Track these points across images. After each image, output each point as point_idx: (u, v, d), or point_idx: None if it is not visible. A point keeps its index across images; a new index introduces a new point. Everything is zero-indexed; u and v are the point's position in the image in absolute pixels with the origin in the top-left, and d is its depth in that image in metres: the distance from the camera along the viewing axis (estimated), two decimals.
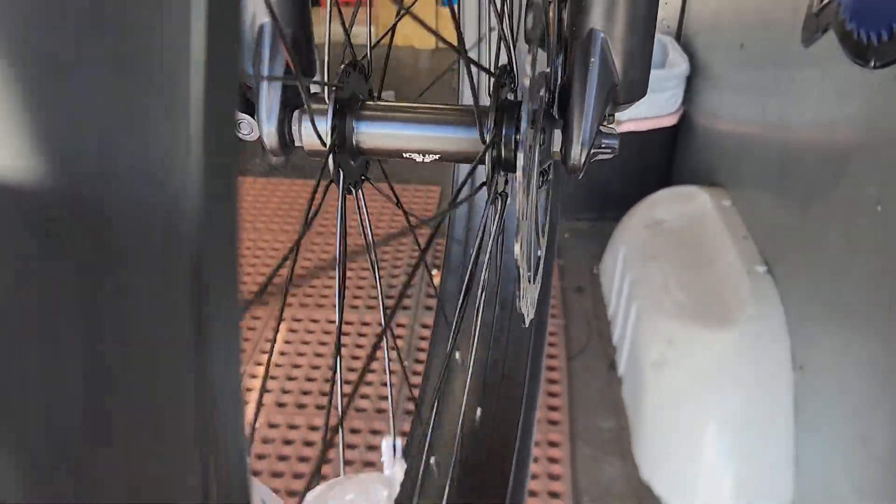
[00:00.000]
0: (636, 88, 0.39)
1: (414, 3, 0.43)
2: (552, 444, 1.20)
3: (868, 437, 0.84)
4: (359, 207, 0.45)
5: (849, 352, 0.89)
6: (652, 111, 1.58)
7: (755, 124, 1.26)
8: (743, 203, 1.30)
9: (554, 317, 1.47)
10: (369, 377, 1.32)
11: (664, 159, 1.71)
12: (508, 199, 0.43)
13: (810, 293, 1.01)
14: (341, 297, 0.45)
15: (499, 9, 0.39)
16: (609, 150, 0.41)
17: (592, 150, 0.41)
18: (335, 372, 0.45)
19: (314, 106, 0.39)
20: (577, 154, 0.40)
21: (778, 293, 1.11)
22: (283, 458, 1.15)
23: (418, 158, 0.42)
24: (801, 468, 1.02)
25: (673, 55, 1.59)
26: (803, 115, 1.05)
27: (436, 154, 0.42)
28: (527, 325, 0.48)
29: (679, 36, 1.76)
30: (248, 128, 0.40)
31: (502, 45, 0.40)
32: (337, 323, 0.45)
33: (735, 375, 1.08)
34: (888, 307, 0.80)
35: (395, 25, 0.43)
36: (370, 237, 0.47)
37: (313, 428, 1.21)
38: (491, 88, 0.40)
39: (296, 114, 0.40)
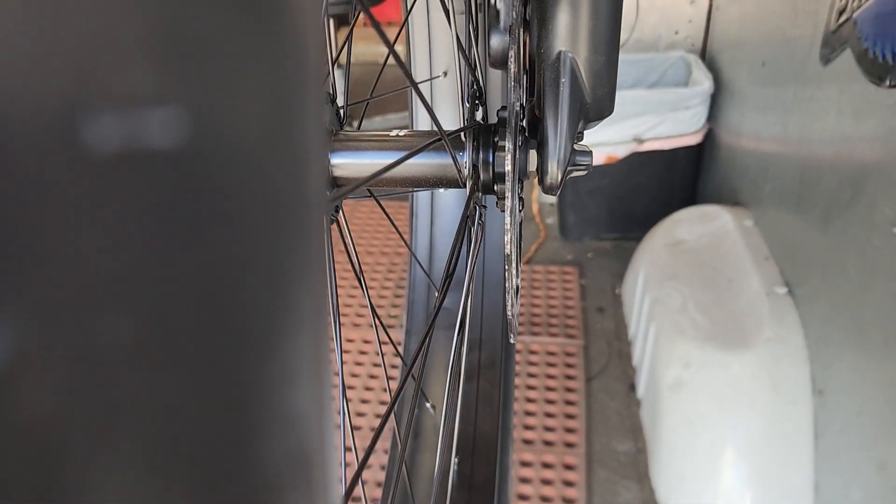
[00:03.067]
0: (604, 105, 0.39)
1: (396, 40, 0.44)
2: (568, 468, 1.19)
3: (885, 464, 0.81)
4: (341, 231, 0.46)
5: (866, 376, 0.87)
6: (676, 129, 1.57)
7: (776, 143, 1.24)
8: (765, 223, 1.28)
9: (574, 337, 1.46)
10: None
11: (689, 178, 1.69)
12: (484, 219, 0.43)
13: (830, 315, 0.99)
14: (337, 324, 0.45)
15: (467, 34, 0.40)
16: (583, 167, 0.41)
17: (567, 168, 0.41)
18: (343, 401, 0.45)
19: None
20: (554, 172, 0.41)
21: (798, 315, 1.08)
22: None
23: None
24: (820, 495, 0.99)
25: (696, 73, 1.58)
26: (822, 134, 1.04)
27: (412, 181, 0.42)
28: (513, 341, 0.47)
29: (704, 53, 1.75)
30: None
31: (465, 70, 0.40)
32: (337, 353, 0.46)
33: (753, 399, 1.06)
34: None
35: (349, 40, 0.44)
36: (355, 257, 0.48)
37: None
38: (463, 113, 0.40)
39: None
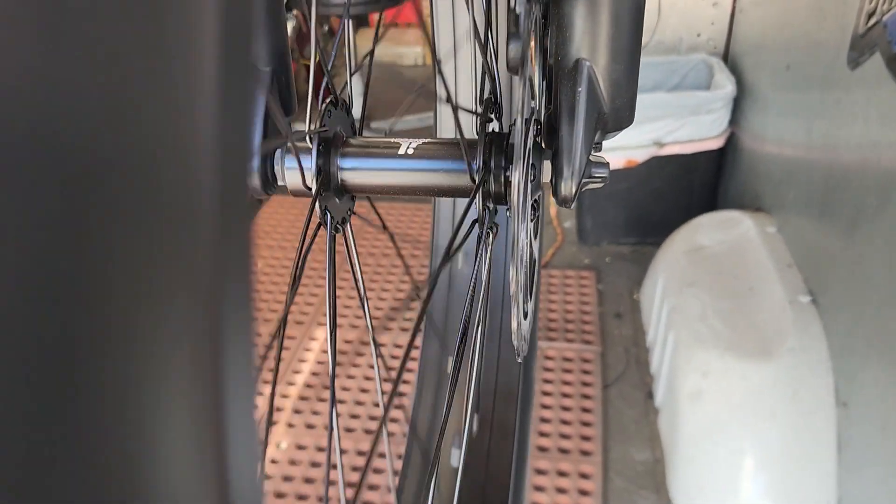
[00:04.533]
0: (623, 116, 0.38)
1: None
2: (583, 476, 1.17)
3: None
4: (347, 246, 0.44)
5: (893, 389, 0.84)
6: (697, 133, 1.55)
7: (801, 148, 1.22)
8: (788, 230, 1.25)
9: (591, 343, 1.44)
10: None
11: (710, 182, 1.67)
12: (497, 231, 0.42)
13: (855, 326, 0.96)
14: (332, 337, 0.44)
15: (482, 40, 0.38)
16: (599, 179, 0.40)
17: (583, 180, 0.40)
18: (332, 405, 0.44)
19: (297, 144, 0.39)
20: (568, 184, 0.39)
21: (822, 325, 1.06)
22: (308, 480, 1.15)
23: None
24: None
25: (718, 76, 1.56)
26: (849, 140, 1.01)
27: (423, 189, 0.41)
28: (520, 360, 0.46)
29: (726, 56, 1.72)
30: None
31: (486, 76, 0.39)
32: (330, 365, 0.45)
33: (774, 409, 1.03)
34: None
35: (370, 58, 0.43)
36: (359, 275, 0.47)
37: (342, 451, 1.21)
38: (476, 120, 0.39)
39: (277, 153, 0.39)
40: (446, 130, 0.72)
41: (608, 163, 0.39)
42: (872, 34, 0.96)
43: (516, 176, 0.33)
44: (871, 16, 0.97)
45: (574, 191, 0.39)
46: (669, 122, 1.51)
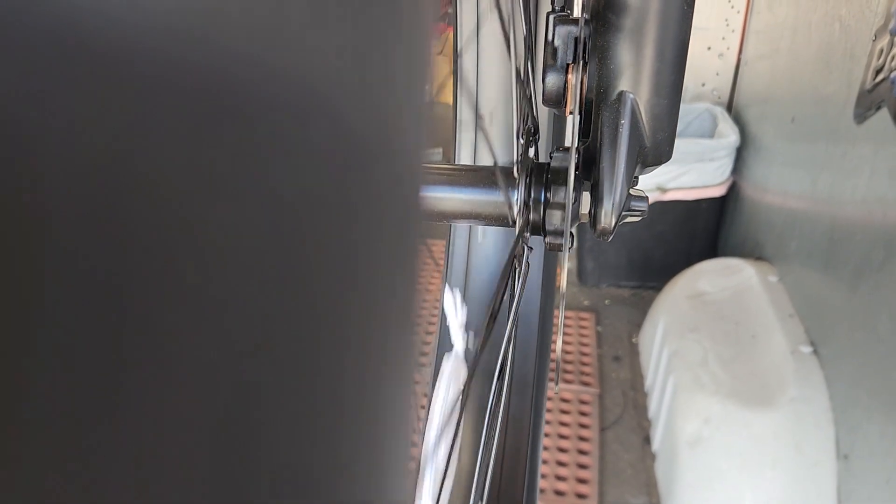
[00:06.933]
0: (663, 151, 0.38)
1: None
2: None
3: None
4: None
5: None
6: (700, 181, 1.56)
7: (805, 199, 1.23)
8: (790, 279, 1.26)
9: (589, 385, 1.43)
10: None
11: (711, 230, 1.68)
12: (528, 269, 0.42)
13: (857, 377, 0.96)
14: None
15: (521, 71, 0.39)
16: (638, 213, 0.40)
17: (622, 213, 0.40)
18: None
19: None
20: (608, 217, 0.39)
21: (823, 376, 1.06)
22: None
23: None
24: None
25: (722, 125, 1.58)
26: (854, 193, 1.02)
27: (462, 217, 0.41)
28: (556, 392, 0.46)
29: (730, 107, 1.75)
30: None
31: (519, 105, 0.40)
32: None
33: (774, 460, 1.03)
34: None
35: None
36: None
37: None
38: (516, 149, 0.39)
39: None
40: (465, 157, 0.73)
41: (647, 197, 0.39)
42: (880, 90, 0.98)
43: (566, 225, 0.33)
44: (878, 72, 0.99)
45: (614, 224, 0.39)
46: (673, 169, 1.53)
